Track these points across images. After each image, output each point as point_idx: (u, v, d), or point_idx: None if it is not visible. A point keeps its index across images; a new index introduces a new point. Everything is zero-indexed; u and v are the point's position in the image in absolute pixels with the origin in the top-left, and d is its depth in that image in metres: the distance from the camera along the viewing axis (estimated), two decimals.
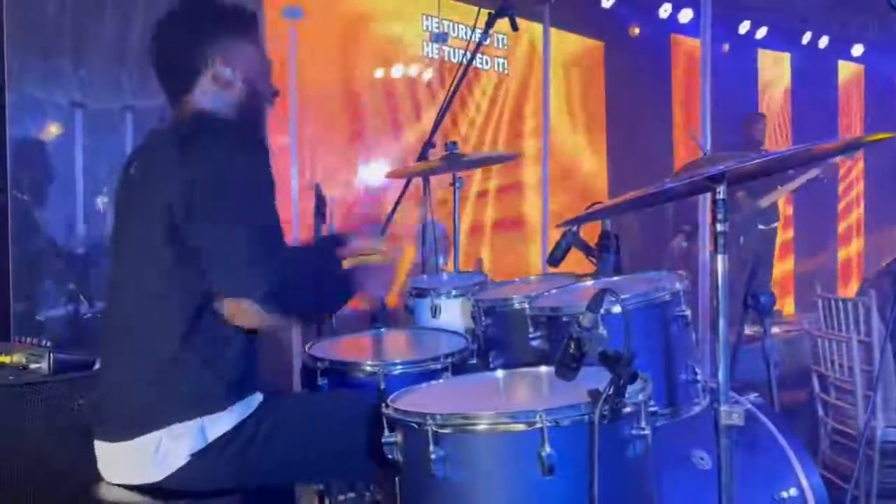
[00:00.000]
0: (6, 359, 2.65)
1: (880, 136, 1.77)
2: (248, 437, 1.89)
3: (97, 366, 2.63)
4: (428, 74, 6.03)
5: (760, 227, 6.55)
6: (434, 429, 1.62)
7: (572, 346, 1.64)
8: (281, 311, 1.86)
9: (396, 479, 1.77)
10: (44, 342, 2.64)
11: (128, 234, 1.96)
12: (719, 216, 1.73)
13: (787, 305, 8.38)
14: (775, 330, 5.48)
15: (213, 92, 1.97)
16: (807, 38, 8.50)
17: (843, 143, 2.03)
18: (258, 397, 1.97)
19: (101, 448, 1.93)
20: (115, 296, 2.00)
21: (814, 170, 6.06)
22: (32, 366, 2.58)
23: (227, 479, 1.88)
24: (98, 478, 1.95)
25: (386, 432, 1.73)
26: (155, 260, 1.86)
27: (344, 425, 2.00)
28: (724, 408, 1.72)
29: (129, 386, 1.89)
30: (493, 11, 3.29)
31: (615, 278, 2.44)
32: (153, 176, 1.90)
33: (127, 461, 1.88)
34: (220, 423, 1.86)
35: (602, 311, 1.66)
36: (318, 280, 1.99)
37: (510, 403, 1.91)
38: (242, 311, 1.83)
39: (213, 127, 1.91)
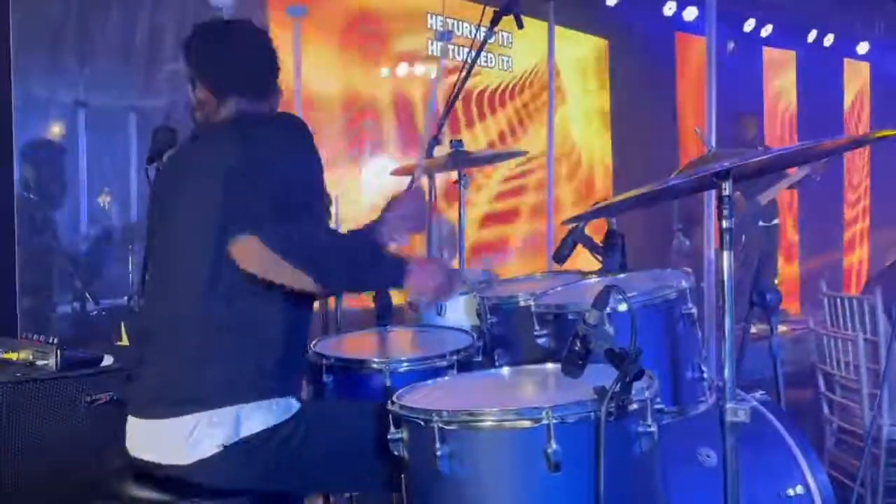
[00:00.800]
0: (13, 355, 2.66)
1: (886, 132, 1.77)
2: (283, 440, 1.89)
3: (105, 362, 2.66)
4: (433, 72, 6.03)
5: (762, 224, 6.56)
6: (440, 425, 1.62)
7: (578, 343, 1.63)
8: (293, 259, 1.79)
9: (402, 475, 1.77)
10: (51, 339, 2.64)
11: (176, 225, 1.97)
12: (725, 213, 1.73)
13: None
14: (781, 328, 5.47)
15: (261, 98, 2.05)
16: (812, 35, 8.48)
17: (849, 139, 2.03)
18: (294, 404, 1.94)
19: (134, 424, 1.94)
20: (161, 276, 2.01)
21: (805, 167, 6.05)
22: (39, 362, 2.59)
23: (252, 479, 1.88)
24: (102, 476, 1.96)
25: (392, 429, 1.73)
26: (205, 250, 1.86)
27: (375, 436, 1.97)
28: (730, 405, 1.72)
29: (169, 366, 1.90)
30: (498, 9, 3.28)
31: (621, 276, 2.43)
32: (203, 170, 1.93)
33: (158, 439, 1.88)
34: (254, 420, 1.86)
35: (608, 309, 1.66)
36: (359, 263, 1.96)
37: (516, 400, 1.90)
38: (245, 251, 1.79)
39: (265, 121, 1.99)
